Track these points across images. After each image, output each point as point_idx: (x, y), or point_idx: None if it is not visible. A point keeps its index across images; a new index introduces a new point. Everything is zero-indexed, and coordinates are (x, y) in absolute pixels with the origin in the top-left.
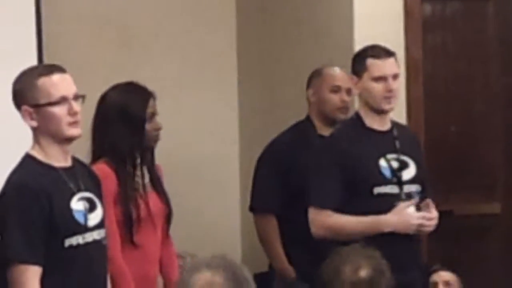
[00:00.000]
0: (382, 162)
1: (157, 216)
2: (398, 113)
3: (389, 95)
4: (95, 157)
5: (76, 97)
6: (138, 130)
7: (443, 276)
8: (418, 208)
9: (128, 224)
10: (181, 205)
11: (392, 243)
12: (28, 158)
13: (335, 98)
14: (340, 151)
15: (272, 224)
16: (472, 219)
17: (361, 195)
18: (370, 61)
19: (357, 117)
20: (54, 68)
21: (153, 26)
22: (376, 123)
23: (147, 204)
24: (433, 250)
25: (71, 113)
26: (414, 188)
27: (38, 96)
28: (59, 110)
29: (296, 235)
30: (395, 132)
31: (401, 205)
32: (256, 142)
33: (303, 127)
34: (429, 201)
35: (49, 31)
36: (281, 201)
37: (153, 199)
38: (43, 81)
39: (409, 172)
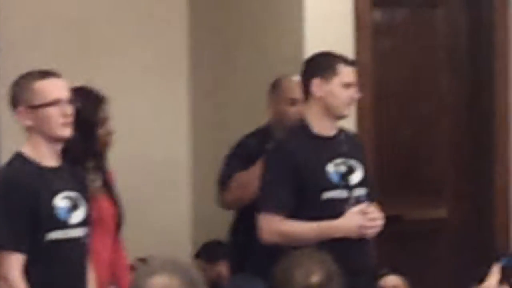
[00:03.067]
0: (330, 167)
1: (108, 220)
2: (348, 118)
3: (351, 102)
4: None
5: (69, 101)
6: (89, 134)
7: (391, 280)
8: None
9: None
10: (133, 209)
11: (344, 247)
12: (18, 156)
13: (293, 110)
14: (289, 157)
15: None
16: (420, 224)
17: (310, 201)
18: (342, 67)
19: (303, 123)
20: (49, 73)
21: (108, 30)
22: (325, 129)
23: (98, 208)
24: (381, 255)
25: (64, 114)
26: (362, 191)
27: (34, 97)
28: (53, 111)
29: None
30: (341, 137)
31: (351, 210)
32: (207, 145)
33: (266, 131)
34: (372, 206)
35: (5, 34)
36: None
37: (105, 204)
38: (39, 84)
39: (357, 176)
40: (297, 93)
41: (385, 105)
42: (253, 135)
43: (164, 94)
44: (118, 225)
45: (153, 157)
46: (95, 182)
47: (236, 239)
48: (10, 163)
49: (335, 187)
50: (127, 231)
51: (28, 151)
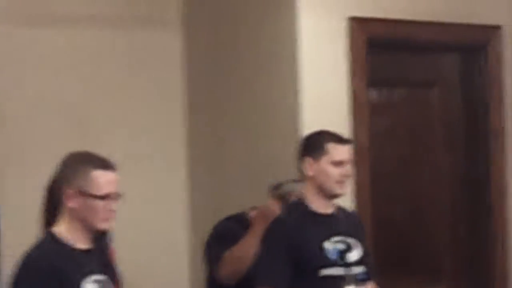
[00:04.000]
0: (327, 245)
1: None
2: (346, 196)
3: (343, 180)
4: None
5: (116, 196)
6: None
7: None
8: None
9: None
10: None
11: None
12: (49, 236)
13: (336, 172)
14: (286, 234)
15: None
16: None
17: (307, 278)
18: (331, 145)
19: (299, 201)
20: (109, 165)
21: (102, 105)
22: (321, 206)
23: None
24: None
25: (110, 209)
26: (360, 269)
27: (87, 185)
28: (101, 204)
29: None
30: (340, 215)
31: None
32: (206, 223)
33: (242, 217)
34: (370, 284)
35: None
36: None
37: None
38: (97, 173)
39: (355, 254)
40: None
41: (382, 183)
42: (229, 219)
43: (163, 171)
44: None
45: (153, 244)
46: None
47: None
48: (39, 243)
49: (332, 264)
50: None
51: (61, 231)
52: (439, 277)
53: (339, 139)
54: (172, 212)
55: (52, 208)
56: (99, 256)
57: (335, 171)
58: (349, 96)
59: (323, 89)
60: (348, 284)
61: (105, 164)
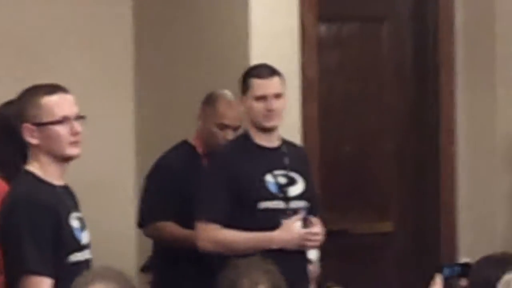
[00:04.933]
0: (269, 178)
1: None
2: (293, 131)
3: (269, 114)
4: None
5: (78, 118)
6: (23, 144)
7: None
8: (305, 224)
9: None
10: None
11: (284, 258)
12: (28, 175)
13: (220, 134)
14: (226, 167)
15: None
16: (366, 238)
17: (246, 210)
18: (253, 81)
19: (245, 134)
20: (57, 88)
21: (51, 44)
22: (263, 140)
23: None
24: (327, 268)
25: (73, 132)
26: (301, 204)
27: (41, 114)
28: (61, 129)
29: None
30: (284, 149)
31: (288, 221)
32: (151, 159)
33: (188, 148)
34: (313, 218)
35: None
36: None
37: None
38: (46, 100)
39: (297, 189)
40: (230, 119)
41: (330, 119)
42: (172, 152)
43: (109, 111)
44: None
45: (98, 176)
46: None
47: (159, 258)
48: (22, 182)
49: (272, 197)
50: None
51: (35, 170)
52: (387, 214)
53: (260, 74)
54: (119, 135)
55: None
56: (71, 192)
57: (259, 106)
58: (299, 30)
59: (273, 23)
60: (288, 217)
61: (52, 89)
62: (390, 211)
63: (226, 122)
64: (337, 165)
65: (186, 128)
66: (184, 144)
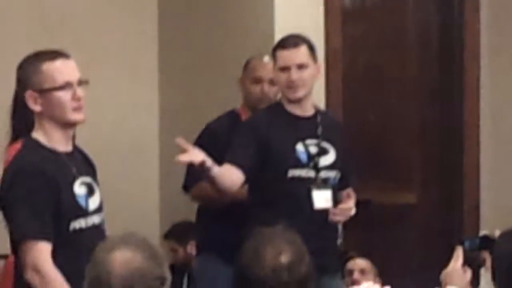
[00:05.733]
0: (300, 146)
1: None
2: (317, 101)
3: (291, 85)
4: (14, 138)
5: (80, 83)
6: None
7: (359, 263)
8: (335, 196)
9: None
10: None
11: (310, 227)
12: (32, 141)
13: (256, 89)
14: (257, 133)
15: None
16: (389, 208)
17: (276, 177)
18: (278, 52)
19: (279, 102)
20: (58, 54)
21: (75, 12)
22: (295, 109)
23: None
24: (350, 238)
25: (75, 98)
26: (332, 174)
27: (42, 80)
28: (64, 95)
29: (218, 216)
30: (318, 119)
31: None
32: (175, 129)
33: (234, 116)
34: (348, 191)
35: None
36: None
37: None
38: (47, 66)
39: (328, 159)
40: (262, 71)
41: (354, 89)
42: (219, 119)
43: (133, 78)
44: None
45: (122, 141)
46: None
47: (202, 218)
48: (25, 149)
49: (302, 166)
50: None
51: (39, 137)
52: (410, 185)
53: (284, 44)
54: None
55: (22, 117)
56: (81, 157)
57: (283, 77)
58: (323, 2)
59: None
60: (317, 187)
61: (53, 55)
62: (413, 182)
63: (258, 74)
64: (361, 135)
65: (209, 98)
66: (231, 112)
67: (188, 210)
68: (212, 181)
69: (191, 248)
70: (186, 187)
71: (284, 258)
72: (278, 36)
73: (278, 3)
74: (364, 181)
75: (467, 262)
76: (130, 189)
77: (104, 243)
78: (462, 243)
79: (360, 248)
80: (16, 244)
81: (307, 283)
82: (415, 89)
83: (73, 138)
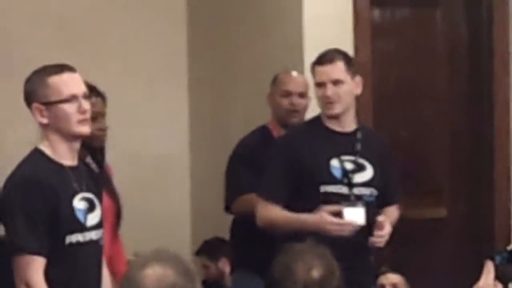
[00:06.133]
0: (334, 162)
1: (106, 215)
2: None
3: (326, 101)
4: None
5: (86, 96)
6: None
7: (391, 278)
8: (369, 214)
9: None
10: (131, 204)
11: (341, 244)
12: (37, 153)
13: (285, 102)
14: (291, 148)
15: None
16: (419, 223)
17: (309, 192)
18: (315, 68)
19: (318, 117)
20: (65, 67)
21: (100, 23)
22: (334, 124)
23: None
24: (381, 253)
25: (81, 111)
26: (367, 191)
27: (49, 93)
28: (69, 108)
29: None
30: (358, 135)
31: (325, 208)
32: (206, 141)
33: (265, 131)
34: (382, 219)
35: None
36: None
37: (103, 198)
38: (54, 79)
39: (364, 176)
40: (290, 85)
41: (384, 104)
42: (251, 135)
43: (164, 90)
44: (117, 219)
45: (153, 153)
46: None
47: (236, 235)
48: (28, 160)
49: (335, 182)
50: (125, 227)
51: (45, 148)
52: (441, 200)
53: (319, 60)
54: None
55: None
56: (86, 173)
57: (319, 93)
58: (352, 15)
59: (327, 8)
60: (349, 204)
61: (59, 69)
62: (443, 197)
63: (287, 88)
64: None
65: (239, 109)
66: (262, 128)
67: (219, 226)
68: None
69: (223, 265)
70: (228, 208)
71: (316, 273)
72: (307, 50)
73: (307, 17)
74: None
75: (498, 277)
76: (160, 204)
77: (137, 259)
78: (492, 258)
79: (391, 263)
80: (12, 256)
81: None
82: (445, 101)
83: (80, 152)
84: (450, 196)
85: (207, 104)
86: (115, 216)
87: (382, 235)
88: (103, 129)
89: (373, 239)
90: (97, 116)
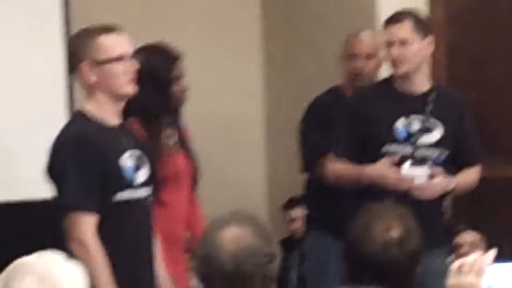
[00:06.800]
0: (400, 122)
1: (184, 176)
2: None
3: (393, 60)
4: (124, 116)
5: (132, 56)
6: (164, 91)
7: (468, 237)
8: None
9: (154, 181)
10: (209, 165)
11: (404, 204)
12: (80, 115)
13: (351, 65)
14: (357, 108)
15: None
16: (497, 182)
17: (373, 153)
18: (384, 27)
19: (389, 78)
20: (113, 27)
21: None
22: (404, 85)
23: (174, 163)
24: (458, 211)
25: (129, 71)
26: (434, 152)
27: (99, 52)
28: (119, 67)
29: (328, 193)
30: (432, 95)
31: (384, 160)
32: (281, 102)
33: (337, 92)
34: (437, 170)
35: None
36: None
37: (181, 159)
38: (103, 38)
39: (432, 136)
40: (356, 47)
41: (458, 64)
42: (324, 95)
43: (238, 51)
44: (194, 181)
45: (228, 114)
46: (171, 138)
47: (311, 196)
48: (73, 122)
49: (399, 141)
50: (202, 187)
51: (90, 109)
52: None
53: (388, 20)
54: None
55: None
56: (129, 131)
57: (387, 52)
58: None
59: None
60: (412, 163)
61: (107, 28)
62: None
63: (353, 51)
64: None
65: (313, 70)
66: (334, 89)
67: (295, 188)
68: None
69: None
70: (306, 169)
71: (394, 233)
72: (379, 10)
73: None
74: None
75: None
76: (236, 167)
77: (214, 221)
78: None
79: (469, 222)
80: (62, 215)
81: (418, 258)
82: None
83: (124, 112)
84: None
85: (281, 66)
86: (193, 177)
87: (425, 186)
88: (185, 90)
89: (415, 190)
90: (178, 78)
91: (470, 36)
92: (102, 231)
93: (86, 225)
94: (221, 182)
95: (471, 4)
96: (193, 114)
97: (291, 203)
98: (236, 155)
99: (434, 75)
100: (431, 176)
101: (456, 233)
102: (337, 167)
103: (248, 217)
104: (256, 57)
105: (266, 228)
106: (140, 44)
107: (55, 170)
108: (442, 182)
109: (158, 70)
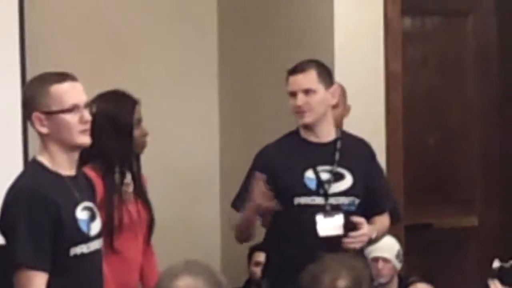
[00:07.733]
0: (309, 173)
1: (139, 224)
2: (377, 124)
3: (298, 110)
4: (82, 162)
5: (87, 106)
6: (126, 136)
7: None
8: (346, 225)
9: (110, 230)
10: (163, 213)
11: (319, 254)
12: (36, 164)
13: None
14: (266, 161)
15: None
16: (450, 232)
17: (284, 205)
18: (288, 77)
19: (297, 129)
20: (67, 76)
21: (137, 31)
22: (310, 135)
23: (130, 211)
24: (411, 262)
25: (83, 121)
26: (345, 200)
27: (50, 103)
28: (71, 118)
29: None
30: (338, 144)
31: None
32: (236, 148)
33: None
34: (357, 218)
35: (33, 35)
36: None
37: (137, 207)
38: (55, 88)
39: (342, 185)
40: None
41: (415, 112)
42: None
43: (194, 98)
44: (149, 229)
45: (184, 162)
46: (129, 186)
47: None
48: (27, 172)
49: (309, 193)
50: (157, 236)
51: (44, 159)
52: (471, 209)
53: (293, 69)
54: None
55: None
56: (84, 182)
57: (291, 102)
58: (383, 24)
59: (357, 19)
60: (325, 214)
61: (60, 78)
62: (474, 206)
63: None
64: (421, 158)
65: (272, 119)
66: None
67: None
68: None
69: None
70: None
71: (342, 283)
72: (337, 58)
73: (337, 25)
74: (425, 205)
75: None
76: (191, 215)
77: (167, 270)
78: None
79: (421, 272)
80: (12, 270)
81: None
82: (476, 111)
83: (78, 162)
84: (481, 204)
85: (238, 110)
86: (148, 226)
87: (355, 236)
88: (145, 134)
89: (346, 240)
90: (139, 122)
91: (423, 84)
92: (56, 284)
93: (36, 284)
94: (176, 230)
95: (425, 54)
96: (149, 162)
97: (257, 247)
98: (191, 200)
99: (391, 124)
100: (347, 225)
101: (409, 284)
102: (235, 222)
103: (202, 267)
104: (212, 103)
105: (220, 278)
106: (96, 87)
107: (6, 223)
108: (368, 231)
109: (118, 115)
